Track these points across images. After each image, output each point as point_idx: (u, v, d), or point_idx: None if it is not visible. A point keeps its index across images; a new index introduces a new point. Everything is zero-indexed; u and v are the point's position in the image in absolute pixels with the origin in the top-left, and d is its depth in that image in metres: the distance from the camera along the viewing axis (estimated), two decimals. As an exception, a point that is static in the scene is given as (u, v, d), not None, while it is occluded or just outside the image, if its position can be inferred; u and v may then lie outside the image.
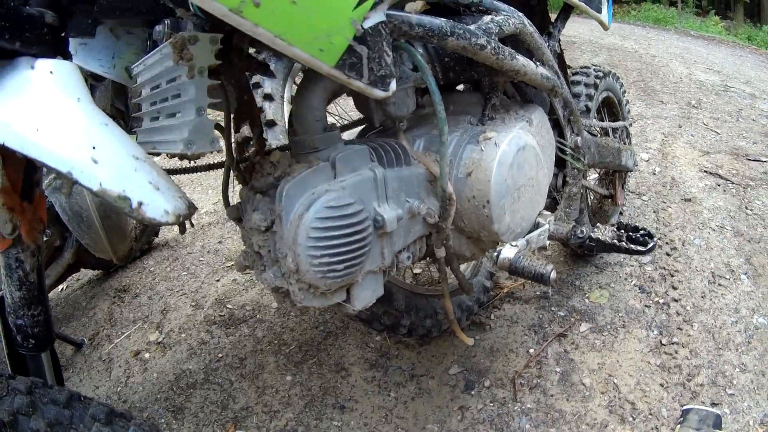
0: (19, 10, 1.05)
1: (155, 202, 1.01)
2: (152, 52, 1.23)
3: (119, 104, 1.86)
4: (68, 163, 0.97)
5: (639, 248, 2.35)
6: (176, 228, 4.18)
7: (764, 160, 4.84)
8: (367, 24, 1.23)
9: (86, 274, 3.82)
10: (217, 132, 1.26)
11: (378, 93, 1.31)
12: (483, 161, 1.73)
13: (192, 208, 1.07)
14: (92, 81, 1.53)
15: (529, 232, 2.05)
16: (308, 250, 1.33)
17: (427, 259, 2.08)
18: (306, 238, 1.32)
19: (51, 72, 1.04)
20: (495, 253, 1.90)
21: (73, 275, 3.73)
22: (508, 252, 1.84)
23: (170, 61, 1.14)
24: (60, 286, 3.68)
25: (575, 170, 2.45)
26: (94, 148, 0.99)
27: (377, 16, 1.27)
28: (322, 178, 1.41)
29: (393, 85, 1.34)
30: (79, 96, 1.04)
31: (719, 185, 4.36)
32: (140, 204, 0.99)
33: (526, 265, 1.81)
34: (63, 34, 1.17)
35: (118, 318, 3.33)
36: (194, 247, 3.98)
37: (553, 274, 1.80)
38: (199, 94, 1.17)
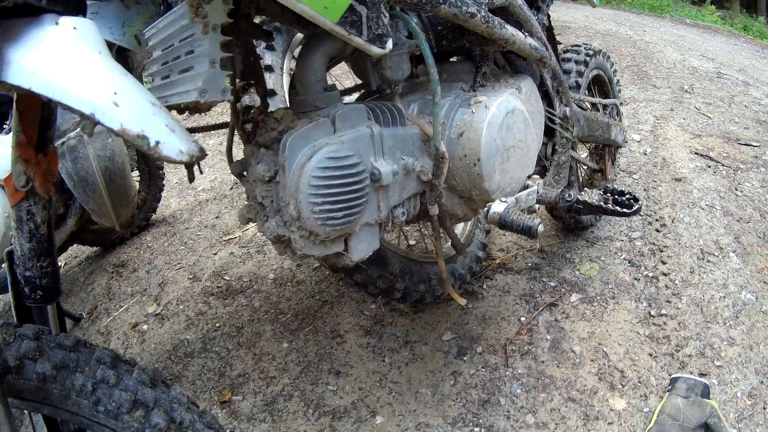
0: None
1: (171, 142, 1.06)
2: (166, 14, 1.29)
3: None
4: (92, 104, 1.02)
5: (624, 210, 2.42)
6: (174, 205, 4.24)
7: (755, 144, 4.88)
8: (367, -15, 1.31)
9: (84, 251, 3.87)
10: (227, 83, 1.33)
11: (376, 50, 1.39)
12: (474, 122, 1.80)
13: (203, 152, 1.13)
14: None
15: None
16: (309, 197, 1.40)
17: (421, 222, 2.14)
18: (308, 186, 1.40)
19: (75, 28, 1.09)
20: (485, 209, 1.96)
21: (71, 253, 3.77)
22: (497, 207, 1.90)
23: (185, 19, 1.21)
24: (59, 264, 3.71)
25: (564, 140, 2.51)
26: (115, 93, 1.04)
27: (377, -21, 1.35)
28: (323, 132, 1.48)
29: (389, 44, 1.42)
30: (100, 49, 1.10)
31: (709, 167, 4.40)
32: (157, 143, 1.04)
33: (515, 218, 1.87)
34: None
35: (116, 292, 3.38)
36: (192, 222, 4.03)
37: (540, 228, 1.86)
38: (213, 48, 1.24)
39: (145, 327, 3.04)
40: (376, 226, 1.67)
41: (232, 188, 4.41)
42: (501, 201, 1.92)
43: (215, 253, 3.58)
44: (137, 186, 3.43)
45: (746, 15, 18.26)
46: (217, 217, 4.03)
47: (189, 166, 1.15)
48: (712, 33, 11.76)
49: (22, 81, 1.04)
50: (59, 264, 3.59)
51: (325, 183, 1.41)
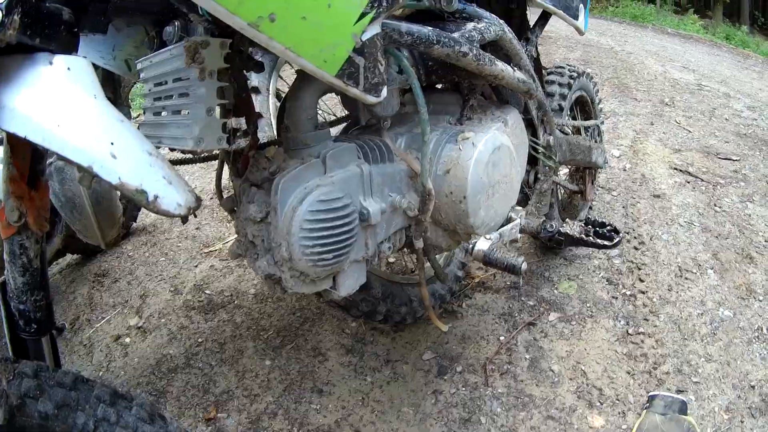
0: (40, 7, 1.09)
1: (169, 196, 1.08)
2: (161, 51, 1.31)
3: (108, 92, 1.91)
4: (90, 157, 1.03)
5: (605, 243, 2.45)
6: (152, 213, 4.23)
7: (735, 158, 4.93)
8: (366, 37, 1.33)
9: (65, 258, 3.83)
10: (223, 132, 1.34)
11: (371, 99, 1.41)
12: (461, 160, 1.82)
13: (199, 201, 1.14)
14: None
15: (502, 225, 2.14)
16: (301, 240, 1.42)
17: (405, 249, 2.16)
18: (299, 229, 1.41)
19: (69, 68, 1.09)
20: (470, 246, 1.99)
21: (56, 260, 3.76)
22: (482, 244, 1.93)
23: (180, 62, 1.23)
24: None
25: (547, 168, 2.54)
26: (112, 143, 1.05)
27: (374, 29, 1.37)
28: (314, 173, 1.50)
29: (384, 92, 1.44)
30: (95, 93, 1.10)
31: (689, 182, 4.45)
32: (156, 197, 1.06)
33: (499, 257, 1.90)
34: (77, 30, 1.21)
35: (98, 302, 3.36)
36: (172, 232, 4.01)
37: (524, 266, 1.89)
38: (209, 95, 1.26)
39: (127, 340, 3.03)
40: (363, 262, 1.69)
41: (212, 198, 4.40)
42: (485, 238, 1.95)
43: (196, 266, 3.58)
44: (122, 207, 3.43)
45: (729, 24, 18.35)
46: (197, 228, 4.03)
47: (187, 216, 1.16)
48: (694, 42, 11.84)
49: (17, 128, 1.05)
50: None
51: (317, 226, 1.43)
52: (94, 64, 1.50)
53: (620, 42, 10.28)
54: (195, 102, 1.26)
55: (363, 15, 1.29)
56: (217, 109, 1.31)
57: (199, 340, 2.95)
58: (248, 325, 3.00)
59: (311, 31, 1.18)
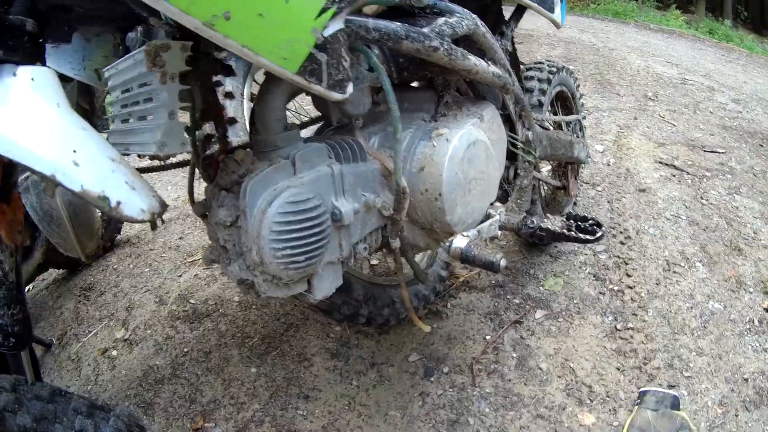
0: (3, 20, 1.09)
1: (132, 201, 1.07)
2: (125, 58, 1.29)
3: (84, 104, 1.89)
4: (52, 166, 1.02)
5: (587, 237, 2.44)
6: (138, 225, 4.21)
7: (721, 151, 4.94)
8: (327, 32, 1.31)
9: (51, 273, 3.82)
10: (186, 134, 1.33)
11: (335, 96, 1.39)
12: (435, 156, 1.80)
13: (164, 206, 1.13)
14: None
15: (481, 222, 2.12)
16: (271, 243, 1.40)
17: (383, 250, 2.14)
18: (269, 231, 1.39)
19: (32, 79, 1.08)
20: (447, 243, 1.97)
21: (40, 275, 3.75)
22: (459, 242, 1.91)
23: (143, 67, 1.21)
24: (27, 287, 3.68)
25: (526, 163, 2.52)
26: (75, 151, 1.05)
27: (336, 25, 1.35)
28: (283, 175, 1.48)
29: (350, 88, 1.41)
30: (58, 102, 1.09)
31: (674, 176, 4.45)
32: (118, 203, 1.05)
33: (477, 254, 1.88)
34: (41, 41, 1.20)
35: (85, 316, 3.34)
36: (156, 243, 3.99)
37: (502, 262, 1.87)
38: (171, 99, 1.25)
39: (114, 353, 3.01)
40: (339, 264, 1.67)
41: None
42: (463, 235, 1.92)
43: (180, 276, 3.56)
44: (101, 219, 3.41)
45: (712, 18, 18.40)
46: (180, 238, 4.00)
47: (153, 221, 1.15)
48: (677, 38, 11.88)
49: (-19, 140, 1.03)
50: (27, 288, 3.58)
51: (287, 228, 1.41)
52: (67, 77, 1.49)
53: (602, 39, 10.30)
54: (158, 106, 1.25)
55: (324, 10, 1.27)
56: (181, 113, 1.30)
57: (185, 349, 2.93)
58: (233, 333, 2.98)
59: (269, 28, 1.16)
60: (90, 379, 2.84)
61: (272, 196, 1.41)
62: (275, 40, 1.19)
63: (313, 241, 1.47)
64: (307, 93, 1.71)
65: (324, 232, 1.50)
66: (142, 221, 1.10)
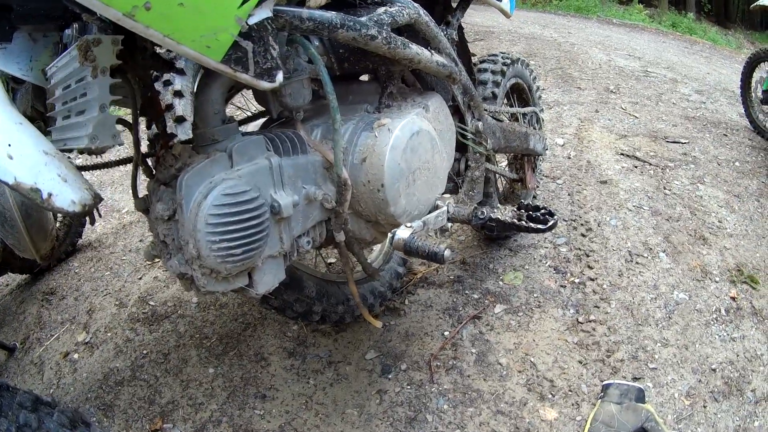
0: None
1: (63, 193, 1.08)
2: (62, 55, 1.28)
3: (39, 106, 1.87)
4: None
5: (539, 226, 2.42)
6: (99, 228, 4.19)
7: (684, 141, 4.96)
8: (252, 20, 1.29)
9: (14, 278, 3.81)
10: (120, 127, 1.32)
11: (264, 84, 1.37)
12: (377, 147, 1.79)
13: (97, 198, 1.13)
14: (13, 84, 1.57)
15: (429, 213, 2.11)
16: (207, 236, 1.39)
17: (330, 246, 2.13)
18: (204, 224, 1.39)
19: None
20: (390, 234, 1.96)
21: (2, 281, 3.72)
22: (402, 233, 1.89)
23: (77, 62, 1.20)
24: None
25: (477, 154, 2.51)
26: (9, 145, 1.06)
27: (263, 13, 1.33)
28: (220, 168, 1.47)
29: (280, 77, 1.40)
30: None
31: (636, 167, 4.46)
32: (50, 195, 1.06)
33: (420, 245, 1.86)
34: None
35: (47, 321, 3.32)
36: (116, 246, 3.96)
37: (446, 253, 1.84)
38: (103, 92, 1.25)
39: (76, 356, 2.99)
40: (281, 258, 1.66)
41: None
42: (407, 226, 1.91)
43: (140, 278, 3.53)
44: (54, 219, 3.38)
45: (675, 12, 18.50)
46: (141, 241, 3.97)
47: (85, 213, 1.15)
48: (640, 31, 11.97)
49: None
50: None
51: (222, 221, 1.40)
52: (19, 78, 1.48)
53: (564, 34, 10.36)
54: (90, 100, 1.25)
55: (248, -1, 1.26)
56: (112, 107, 1.29)
57: (144, 351, 2.91)
58: (191, 334, 2.96)
59: (190, 17, 1.15)
60: (52, 383, 2.83)
61: (208, 189, 1.41)
62: (198, 29, 1.17)
63: (250, 234, 1.46)
64: (248, 87, 1.69)
65: (262, 224, 1.49)
66: (74, 213, 1.11)
